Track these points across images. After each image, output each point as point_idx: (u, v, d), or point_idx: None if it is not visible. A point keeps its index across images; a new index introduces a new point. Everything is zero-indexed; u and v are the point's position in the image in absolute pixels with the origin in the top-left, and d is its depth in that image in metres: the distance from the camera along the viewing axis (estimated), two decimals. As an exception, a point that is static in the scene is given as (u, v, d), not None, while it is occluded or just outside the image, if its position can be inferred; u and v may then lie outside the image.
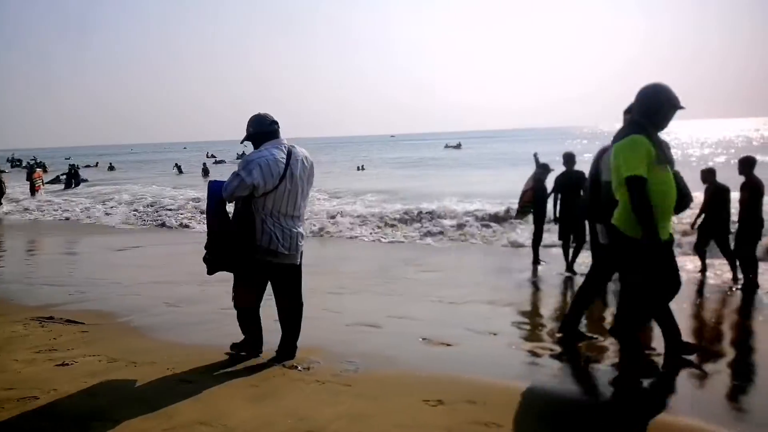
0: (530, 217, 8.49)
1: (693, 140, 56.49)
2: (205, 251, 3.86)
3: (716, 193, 6.94)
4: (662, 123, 3.50)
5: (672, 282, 3.60)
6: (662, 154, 3.41)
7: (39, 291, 6.56)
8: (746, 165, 6.58)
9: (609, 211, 3.62)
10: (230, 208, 3.99)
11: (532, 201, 8.26)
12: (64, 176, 28.93)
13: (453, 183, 21.98)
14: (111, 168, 47.79)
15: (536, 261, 8.12)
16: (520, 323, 5.43)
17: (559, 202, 7.75)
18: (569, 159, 7.77)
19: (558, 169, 7.98)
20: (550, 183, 8.13)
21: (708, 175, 7.05)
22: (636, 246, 3.34)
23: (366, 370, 3.89)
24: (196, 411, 3.24)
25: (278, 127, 3.94)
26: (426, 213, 12.08)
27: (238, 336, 4.17)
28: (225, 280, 4.17)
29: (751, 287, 6.37)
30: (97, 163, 56.84)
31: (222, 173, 24.92)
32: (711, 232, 7.03)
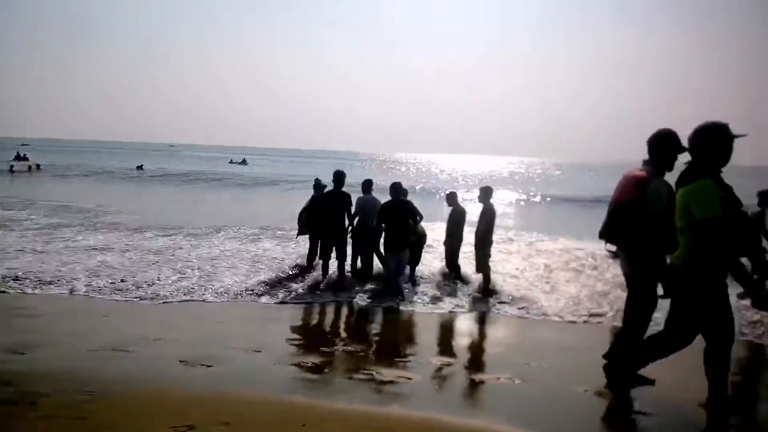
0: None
1: (456, 172, 63.79)
2: None
3: (457, 214, 7.97)
4: (725, 159, 3.51)
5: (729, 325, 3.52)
6: (728, 197, 3.42)
7: None
8: (485, 193, 7.62)
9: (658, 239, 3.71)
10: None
11: (307, 220, 8.40)
12: None
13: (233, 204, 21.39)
14: None
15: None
16: (287, 339, 5.43)
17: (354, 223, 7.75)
18: (337, 179, 7.79)
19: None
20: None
21: (451, 198, 8.16)
22: (705, 280, 3.39)
23: (106, 399, 3.46)
24: None
25: None
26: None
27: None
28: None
29: (489, 294, 7.28)
30: None
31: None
32: (454, 247, 7.94)
